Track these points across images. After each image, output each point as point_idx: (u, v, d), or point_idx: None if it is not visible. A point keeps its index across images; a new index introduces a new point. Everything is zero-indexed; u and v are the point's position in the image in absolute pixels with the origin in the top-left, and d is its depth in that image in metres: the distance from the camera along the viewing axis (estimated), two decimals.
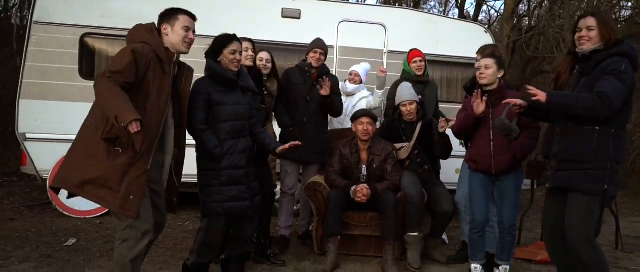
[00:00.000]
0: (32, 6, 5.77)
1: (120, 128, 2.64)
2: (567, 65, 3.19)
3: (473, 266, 3.93)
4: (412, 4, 19.05)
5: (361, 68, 5.49)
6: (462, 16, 17.50)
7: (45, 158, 5.65)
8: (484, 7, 17.63)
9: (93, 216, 5.61)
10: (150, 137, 2.85)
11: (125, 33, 5.82)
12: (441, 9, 20.34)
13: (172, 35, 3.05)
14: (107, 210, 5.48)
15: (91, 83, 5.58)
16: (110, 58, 5.93)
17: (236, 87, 3.64)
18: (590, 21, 3.03)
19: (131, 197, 2.79)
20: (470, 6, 19.12)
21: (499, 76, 3.76)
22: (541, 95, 2.92)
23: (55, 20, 5.70)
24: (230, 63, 3.57)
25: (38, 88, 5.66)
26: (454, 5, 18.64)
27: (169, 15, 3.10)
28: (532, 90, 2.95)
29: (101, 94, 2.72)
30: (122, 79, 2.74)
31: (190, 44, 3.12)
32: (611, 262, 4.56)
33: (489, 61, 3.72)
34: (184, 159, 3.28)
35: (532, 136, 3.68)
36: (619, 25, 15.10)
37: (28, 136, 5.66)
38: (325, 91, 4.45)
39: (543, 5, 14.92)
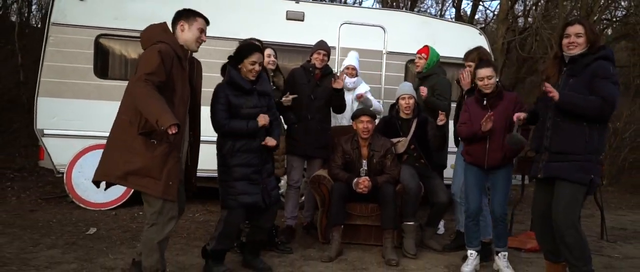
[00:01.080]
0: (50, 8, 6.06)
1: (160, 130, 2.94)
2: (555, 68, 3.53)
3: (469, 251, 4.25)
4: (409, 3, 19.40)
5: (353, 61, 5.62)
6: (459, 16, 17.82)
7: (62, 153, 5.97)
8: (480, 7, 17.93)
9: (108, 207, 5.92)
10: (182, 127, 3.15)
11: (138, 34, 6.16)
12: (438, 8, 20.67)
13: (188, 33, 3.30)
14: (121, 202, 5.89)
15: (105, 82, 6.01)
16: (123, 58, 6.26)
17: (252, 93, 3.94)
18: (578, 28, 3.38)
19: (170, 183, 3.12)
20: (467, 5, 19.43)
21: (497, 80, 4.10)
22: (555, 94, 3.24)
23: (71, 21, 5.99)
24: (249, 72, 3.87)
25: (55, 86, 5.96)
26: (451, 5, 18.91)
27: (188, 15, 3.36)
28: (548, 88, 3.26)
29: (141, 98, 2.98)
30: (157, 79, 3.02)
31: (200, 44, 3.40)
32: (596, 250, 4.91)
33: (490, 71, 4.03)
34: (199, 145, 3.57)
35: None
36: (613, 26, 15.48)
37: (46, 131, 5.96)
38: (338, 84, 4.78)
39: (538, 5, 15.24)
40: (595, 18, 13.37)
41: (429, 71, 5.36)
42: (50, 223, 5.12)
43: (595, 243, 5.38)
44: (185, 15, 3.36)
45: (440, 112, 4.75)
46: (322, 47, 5.07)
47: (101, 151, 5.82)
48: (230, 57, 3.99)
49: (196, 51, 3.43)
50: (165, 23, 3.34)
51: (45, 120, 5.96)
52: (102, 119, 5.93)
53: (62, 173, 5.97)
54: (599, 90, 3.22)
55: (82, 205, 5.91)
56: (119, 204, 5.98)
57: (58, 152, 5.98)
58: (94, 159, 5.75)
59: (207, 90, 4.18)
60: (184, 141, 3.42)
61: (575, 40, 3.36)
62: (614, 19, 15.30)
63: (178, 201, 3.38)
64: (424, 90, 4.79)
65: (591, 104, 3.21)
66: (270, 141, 3.94)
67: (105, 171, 3.17)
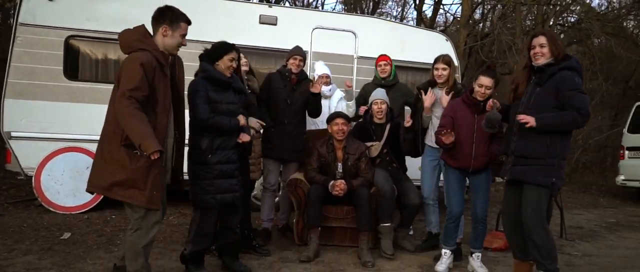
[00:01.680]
0: (17, 8, 5.93)
1: (142, 154, 2.98)
2: (524, 78, 3.75)
3: (443, 250, 4.41)
4: (371, 5, 19.67)
5: (326, 68, 5.72)
6: (420, 18, 18.22)
7: (30, 156, 5.85)
8: (441, 10, 18.37)
9: (79, 211, 5.85)
10: (162, 138, 3.19)
11: (110, 36, 6.12)
12: (399, 10, 21.04)
13: (170, 39, 3.27)
14: (92, 206, 5.83)
15: (75, 84, 5.92)
16: (94, 60, 6.18)
17: (229, 88, 3.99)
18: (542, 39, 3.60)
19: (155, 192, 3.15)
20: (428, 8, 19.87)
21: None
22: (531, 122, 3.42)
23: (40, 22, 5.88)
24: (227, 69, 3.93)
25: (23, 88, 5.84)
26: (413, 7, 19.29)
27: (172, 19, 3.28)
28: (523, 118, 3.44)
29: (125, 117, 3.00)
30: (140, 94, 3.03)
31: (180, 48, 3.38)
32: (556, 249, 5.17)
33: (491, 82, 4.17)
34: (184, 141, 3.59)
35: (500, 143, 4.20)
36: (565, 31, 16.16)
37: (13, 134, 5.83)
38: (316, 89, 4.89)
39: (495, 9, 15.76)
40: (550, 23, 13.98)
41: (395, 79, 5.59)
42: (21, 228, 5.04)
43: (556, 242, 5.62)
44: (170, 19, 3.29)
45: (408, 115, 4.93)
46: (298, 52, 5.17)
47: (71, 153, 5.92)
48: (202, 55, 4.00)
49: (175, 55, 3.42)
50: (143, 27, 3.29)
51: (13, 122, 5.83)
52: (72, 121, 5.97)
53: (31, 176, 5.86)
54: (570, 102, 3.42)
55: (52, 209, 5.82)
56: (89, 208, 5.91)
57: (26, 155, 5.86)
58: (64, 162, 5.87)
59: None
60: (168, 138, 3.41)
61: (539, 50, 3.58)
62: (567, 25, 16.00)
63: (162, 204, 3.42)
64: (408, 119, 4.92)
65: (567, 119, 3.42)
66: (245, 136, 4.01)
67: (92, 182, 3.19)
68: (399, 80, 5.80)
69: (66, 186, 5.91)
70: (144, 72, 3.06)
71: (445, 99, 4.70)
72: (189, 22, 3.39)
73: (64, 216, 5.67)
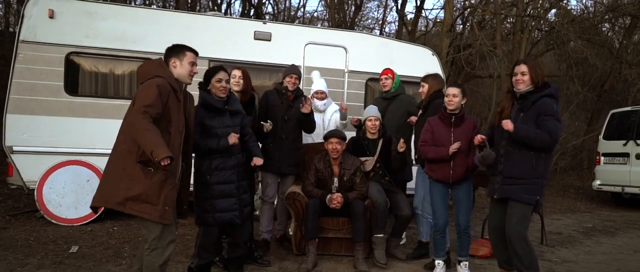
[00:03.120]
0: (19, 26, 6.08)
1: (154, 161, 3.20)
2: (508, 102, 4.08)
3: (436, 261, 4.74)
4: (353, 8, 19.98)
5: (322, 84, 5.93)
6: (402, 23, 18.57)
7: (32, 169, 6.02)
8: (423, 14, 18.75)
9: (80, 223, 6.03)
10: (176, 155, 3.41)
11: (109, 52, 6.35)
12: (381, 12, 21.37)
13: (180, 68, 3.54)
14: (93, 218, 6.00)
15: (76, 99, 6.11)
16: (94, 75, 6.35)
17: (224, 112, 4.24)
18: (523, 68, 3.95)
19: (167, 208, 3.37)
20: (409, 13, 20.21)
21: (462, 103, 4.60)
22: (510, 126, 3.77)
23: (41, 39, 6.05)
24: (218, 90, 4.15)
25: (25, 103, 5.99)
26: (394, 11, 19.62)
27: (178, 51, 3.56)
28: (506, 123, 3.79)
29: (138, 129, 3.20)
30: (154, 111, 3.25)
31: (193, 76, 3.63)
32: (537, 256, 5.48)
33: (456, 91, 4.55)
34: (191, 172, 3.83)
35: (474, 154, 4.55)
36: (543, 36, 16.62)
37: (15, 148, 5.98)
38: (306, 109, 5.13)
39: (475, 14, 16.14)
40: (529, 29, 14.40)
41: (397, 91, 5.82)
42: (29, 242, 5.20)
43: (537, 248, 5.99)
44: (175, 51, 3.56)
45: (401, 139, 5.20)
46: (294, 71, 5.42)
47: (72, 167, 6.08)
48: (200, 84, 4.26)
49: (190, 83, 3.66)
50: (161, 59, 3.56)
51: (15, 137, 5.99)
52: (72, 136, 6.15)
53: (33, 190, 6.01)
54: (545, 125, 3.77)
55: (54, 221, 5.98)
56: (91, 219, 6.09)
57: (28, 169, 6.02)
58: (65, 175, 6.06)
59: None
60: (178, 168, 3.68)
61: (521, 78, 3.93)
62: (544, 30, 16.45)
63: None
64: (402, 145, 5.11)
65: (539, 137, 3.76)
66: (258, 161, 4.29)
67: (103, 197, 3.36)
68: (404, 92, 5.91)
69: (67, 198, 6.08)
70: (159, 93, 3.29)
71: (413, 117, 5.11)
72: (194, 52, 3.64)
73: (67, 228, 5.83)
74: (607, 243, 6.61)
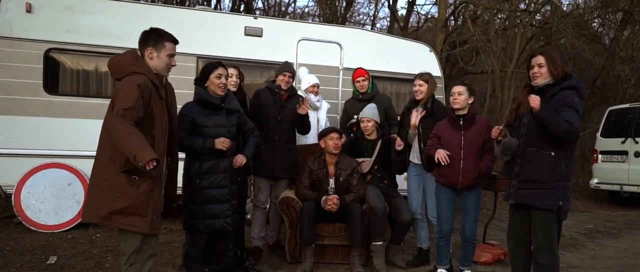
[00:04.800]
0: None
1: (138, 166, 2.89)
2: (525, 97, 3.70)
3: (439, 269, 4.49)
4: (344, 3, 19.69)
5: (313, 78, 5.70)
6: (394, 18, 18.33)
7: (9, 173, 5.67)
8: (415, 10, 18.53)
9: (61, 230, 5.70)
10: (161, 159, 3.09)
11: (91, 49, 6.00)
12: (372, 8, 21.09)
13: (157, 60, 3.17)
14: (74, 224, 5.68)
15: (56, 98, 5.75)
16: (75, 73, 6.01)
17: (220, 110, 3.95)
18: (540, 59, 3.61)
19: (155, 217, 3.07)
20: (402, 9, 19.99)
21: (470, 102, 4.30)
22: (537, 103, 3.39)
23: (18, 35, 5.70)
24: (217, 87, 3.88)
25: (1, 103, 5.65)
26: (386, 6, 19.36)
27: (156, 40, 3.18)
28: (532, 99, 3.41)
29: (119, 134, 2.88)
30: (135, 114, 2.93)
31: (170, 69, 3.28)
32: None
33: (462, 89, 4.26)
34: (177, 168, 3.50)
35: (491, 159, 4.27)
36: (536, 32, 16.45)
37: None
38: (303, 110, 4.84)
39: (468, 9, 15.92)
40: (524, 24, 14.20)
41: (373, 91, 5.60)
42: (4, 252, 4.86)
43: None
44: (153, 40, 3.20)
45: (397, 137, 4.93)
46: (287, 69, 5.13)
47: (52, 170, 5.75)
48: (196, 80, 4.01)
49: (167, 76, 3.31)
50: (135, 51, 3.20)
51: None
52: (52, 137, 5.82)
53: (10, 194, 5.67)
54: (563, 117, 3.43)
55: (33, 228, 5.65)
56: (71, 226, 5.76)
57: (5, 172, 5.68)
58: (45, 178, 5.72)
59: None
60: (162, 172, 3.38)
61: (538, 70, 3.60)
62: (536, 25, 16.26)
63: None
64: (400, 143, 4.89)
65: (562, 126, 3.38)
66: (238, 160, 3.97)
67: (89, 212, 3.07)
68: (379, 92, 5.78)
69: (47, 203, 5.75)
70: (140, 93, 2.98)
71: (415, 115, 4.77)
72: (175, 41, 3.28)
73: (46, 235, 5.50)
74: (612, 246, 6.40)
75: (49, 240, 5.34)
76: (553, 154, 3.49)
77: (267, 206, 5.17)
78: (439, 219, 4.45)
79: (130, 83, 3.01)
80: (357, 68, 5.70)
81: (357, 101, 5.59)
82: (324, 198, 4.77)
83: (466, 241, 4.39)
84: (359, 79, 5.59)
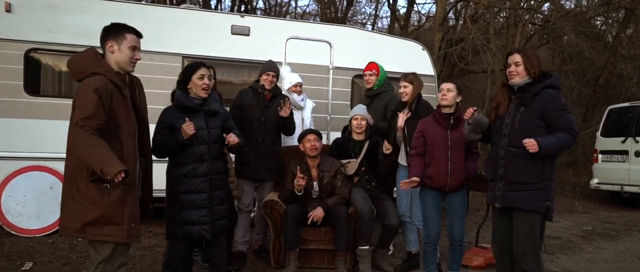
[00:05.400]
0: None
1: (105, 179, 2.71)
2: (504, 96, 3.60)
3: None
4: (345, 3, 19.54)
5: (297, 76, 5.50)
6: (394, 17, 18.18)
7: None
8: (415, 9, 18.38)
9: (43, 234, 5.57)
10: (132, 165, 2.93)
11: (74, 49, 5.89)
12: (373, 7, 20.93)
13: (119, 54, 2.97)
14: (56, 229, 5.54)
15: (37, 99, 5.62)
16: (57, 74, 5.88)
17: (197, 112, 3.79)
18: (517, 57, 3.49)
19: (133, 224, 2.91)
20: (401, 8, 19.84)
21: (458, 101, 4.15)
22: (534, 147, 3.22)
23: None
24: (200, 89, 3.72)
25: None
26: (386, 5, 19.22)
27: (116, 32, 3.00)
28: (528, 143, 3.25)
29: (81, 147, 2.72)
30: (95, 122, 2.75)
31: (135, 63, 3.08)
32: None
33: (451, 86, 4.11)
34: (151, 167, 3.32)
35: (474, 159, 4.15)
36: (537, 30, 16.27)
37: None
38: (285, 112, 4.67)
39: (468, 8, 15.76)
40: (523, 23, 14.04)
41: (380, 89, 5.38)
42: None
43: None
44: (113, 33, 3.01)
45: (385, 141, 4.77)
46: (271, 68, 4.98)
47: (33, 173, 5.62)
48: (178, 81, 3.86)
49: (132, 71, 3.11)
50: (93, 49, 3.00)
51: None
52: (34, 139, 5.68)
53: None
54: (558, 124, 3.31)
55: (13, 232, 5.52)
56: (53, 230, 5.62)
57: None
58: (26, 182, 5.57)
59: (151, 107, 4.00)
60: (136, 176, 3.22)
61: (514, 69, 3.48)
62: (538, 24, 16.08)
63: None
64: (388, 147, 4.73)
65: (565, 142, 3.30)
66: (232, 137, 3.78)
67: (63, 224, 2.90)
68: (388, 90, 5.46)
69: (29, 207, 5.62)
70: (98, 98, 2.78)
71: (401, 118, 4.63)
72: (136, 33, 3.08)
73: (26, 240, 5.36)
74: (609, 249, 6.22)
75: (29, 245, 5.21)
76: None
77: (251, 209, 5.02)
78: (426, 224, 4.26)
79: (87, 88, 2.81)
80: (370, 62, 5.46)
81: (366, 97, 5.43)
82: (309, 214, 4.62)
83: (454, 243, 4.23)
84: (366, 73, 5.37)
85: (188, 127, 3.58)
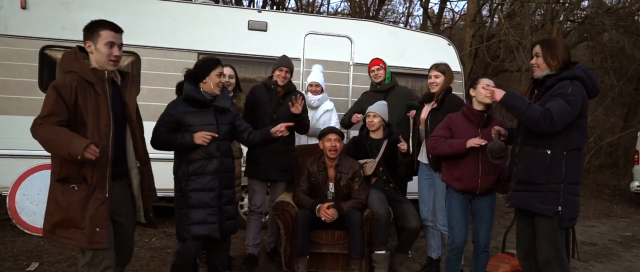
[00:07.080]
0: None
1: (78, 161, 2.59)
2: (527, 89, 3.39)
3: None
4: (376, 3, 19.21)
5: (318, 76, 5.28)
6: (426, 16, 17.76)
7: (4, 174, 5.50)
8: (448, 7, 17.93)
9: None
10: (99, 165, 2.77)
11: None
12: (406, 7, 20.54)
13: (96, 53, 2.86)
14: None
15: None
16: None
17: (207, 107, 3.65)
18: (537, 49, 3.26)
19: (97, 229, 2.76)
20: (434, 5, 19.41)
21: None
22: (497, 94, 3.14)
23: (13, 32, 5.52)
24: (216, 86, 3.63)
25: None
26: (418, 4, 18.83)
27: (90, 30, 2.88)
28: (489, 89, 3.19)
29: (44, 141, 2.65)
30: (55, 119, 2.67)
31: (116, 61, 2.91)
32: None
33: (492, 82, 3.82)
34: (150, 169, 3.19)
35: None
36: (576, 27, 15.61)
37: None
38: (296, 109, 4.44)
39: (503, 6, 15.26)
40: (560, 20, 13.47)
41: (392, 82, 5.19)
42: None
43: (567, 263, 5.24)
44: (89, 32, 2.88)
45: (401, 139, 4.50)
46: (284, 63, 4.77)
47: (48, 171, 5.53)
48: (187, 75, 3.71)
49: (112, 70, 2.94)
50: (75, 49, 2.91)
51: None
52: None
53: (4, 196, 5.51)
54: (547, 104, 3.04)
55: (27, 231, 5.46)
56: None
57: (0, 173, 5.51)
58: (40, 180, 5.48)
59: (161, 104, 3.89)
60: (130, 169, 3.08)
61: (535, 61, 3.26)
62: (577, 21, 15.43)
63: (122, 248, 3.05)
64: (404, 145, 4.49)
65: (530, 113, 3.01)
66: (282, 127, 3.77)
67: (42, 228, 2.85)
68: (397, 83, 5.38)
69: (42, 206, 5.42)
70: (57, 95, 2.69)
71: (425, 109, 4.41)
72: (115, 29, 2.91)
73: (38, 239, 5.28)
74: None
75: (39, 244, 5.13)
76: (549, 151, 3.09)
77: (263, 211, 4.82)
78: (451, 231, 3.94)
79: (49, 88, 2.75)
80: (373, 59, 5.29)
81: (375, 93, 5.21)
82: (318, 206, 4.37)
83: (479, 250, 3.93)
84: (373, 68, 5.21)
85: (206, 137, 3.53)
